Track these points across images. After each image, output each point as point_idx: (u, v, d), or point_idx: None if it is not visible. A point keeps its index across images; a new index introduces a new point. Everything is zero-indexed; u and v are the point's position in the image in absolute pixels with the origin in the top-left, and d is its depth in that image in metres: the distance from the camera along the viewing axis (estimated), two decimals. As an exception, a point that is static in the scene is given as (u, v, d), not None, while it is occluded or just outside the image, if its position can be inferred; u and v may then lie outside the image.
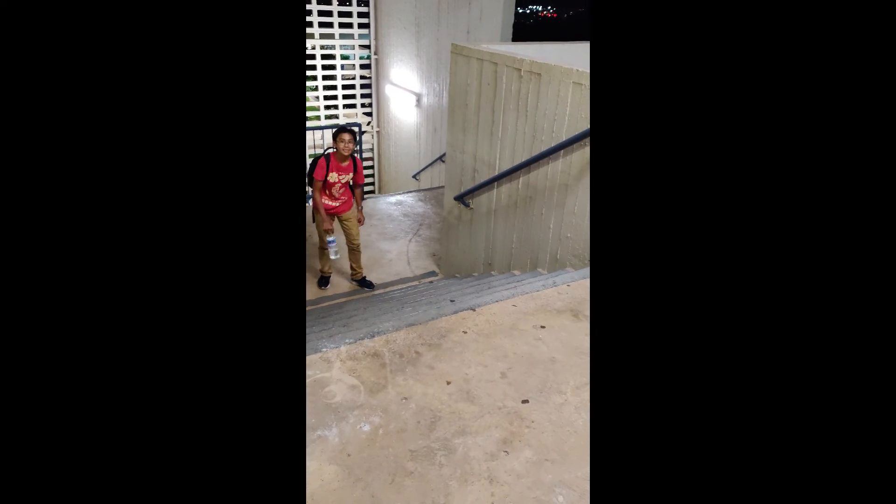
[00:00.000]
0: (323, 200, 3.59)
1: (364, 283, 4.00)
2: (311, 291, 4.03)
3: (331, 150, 3.52)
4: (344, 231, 3.80)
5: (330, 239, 3.64)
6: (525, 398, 1.78)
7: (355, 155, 3.59)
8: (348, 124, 6.06)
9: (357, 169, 3.61)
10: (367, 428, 1.62)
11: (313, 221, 3.76)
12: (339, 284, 4.16)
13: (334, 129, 3.53)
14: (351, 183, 3.67)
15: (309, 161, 3.66)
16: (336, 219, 3.72)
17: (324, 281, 4.06)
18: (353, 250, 3.89)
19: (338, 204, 3.63)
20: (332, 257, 3.75)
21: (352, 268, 3.99)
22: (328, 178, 3.51)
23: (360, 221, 3.77)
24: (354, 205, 3.76)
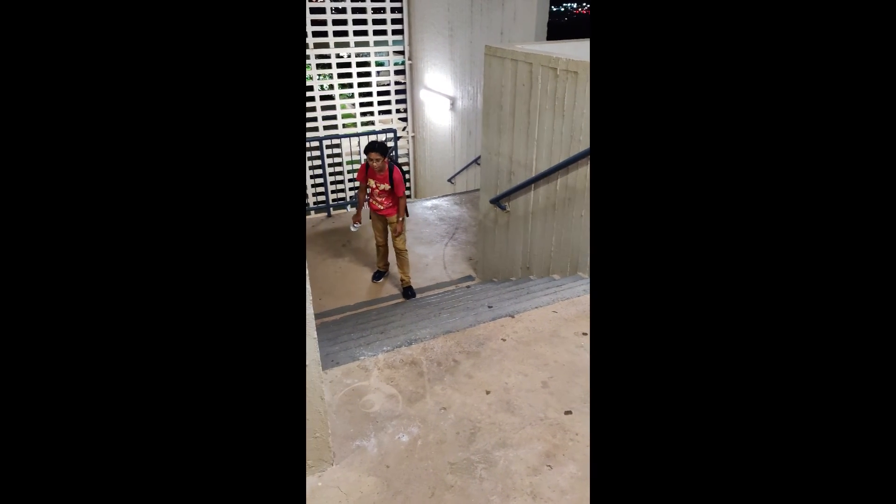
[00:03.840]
0: (371, 201, 3.86)
1: (406, 293, 4.03)
2: (351, 297, 4.07)
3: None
4: (389, 233, 4.00)
5: (354, 225, 3.94)
6: (568, 409, 1.71)
7: (394, 166, 3.77)
8: (383, 131, 6.11)
9: (394, 180, 3.77)
10: (405, 438, 1.59)
11: (370, 218, 4.04)
12: (374, 290, 4.18)
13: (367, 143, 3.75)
14: (385, 191, 3.85)
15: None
16: (383, 220, 3.96)
17: (378, 275, 4.29)
18: (397, 255, 4.02)
19: (382, 207, 3.85)
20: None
21: (400, 276, 4.11)
22: (368, 183, 3.76)
23: (395, 231, 3.91)
24: (397, 212, 3.92)
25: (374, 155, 3.61)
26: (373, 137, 6.14)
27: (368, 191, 3.81)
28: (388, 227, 3.95)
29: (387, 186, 3.77)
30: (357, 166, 7.07)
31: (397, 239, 3.91)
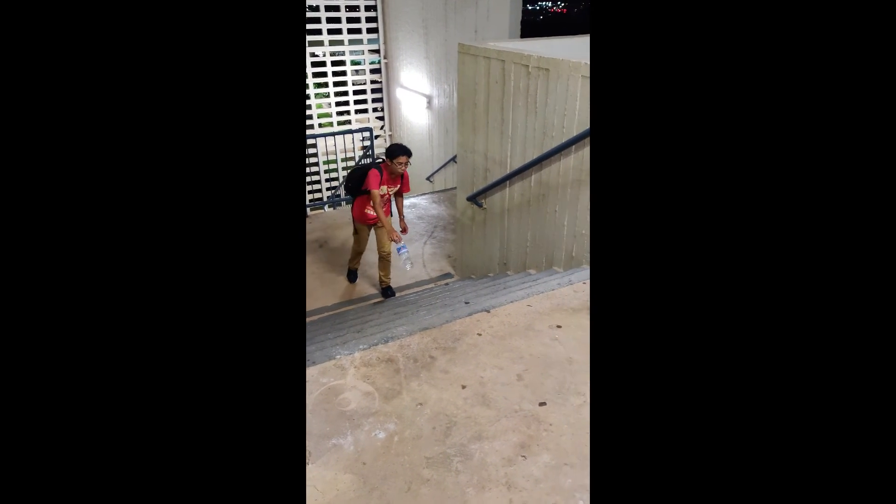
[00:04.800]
0: (366, 210, 3.62)
1: (386, 293, 3.99)
2: (328, 298, 4.05)
3: (380, 162, 3.53)
4: (376, 239, 3.80)
5: (401, 246, 3.55)
6: (542, 400, 1.74)
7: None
8: (360, 130, 6.07)
9: (404, 179, 3.64)
10: (382, 435, 1.60)
11: (354, 229, 3.82)
12: (351, 291, 4.17)
13: (387, 149, 3.53)
14: (391, 194, 3.70)
15: (345, 172, 3.62)
16: (371, 228, 3.76)
17: (352, 275, 4.18)
18: (383, 258, 3.88)
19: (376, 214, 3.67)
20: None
21: (380, 276, 4.01)
22: (380, 191, 3.51)
23: (405, 230, 3.76)
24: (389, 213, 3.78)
25: (403, 158, 3.40)
26: (349, 137, 6.10)
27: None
28: (378, 232, 3.72)
29: (396, 188, 3.62)
30: (333, 166, 7.02)
31: (387, 243, 3.72)
